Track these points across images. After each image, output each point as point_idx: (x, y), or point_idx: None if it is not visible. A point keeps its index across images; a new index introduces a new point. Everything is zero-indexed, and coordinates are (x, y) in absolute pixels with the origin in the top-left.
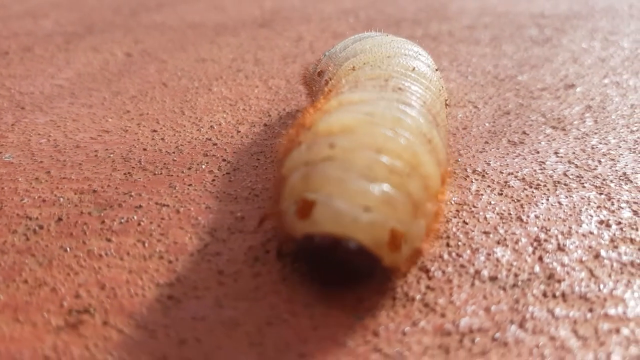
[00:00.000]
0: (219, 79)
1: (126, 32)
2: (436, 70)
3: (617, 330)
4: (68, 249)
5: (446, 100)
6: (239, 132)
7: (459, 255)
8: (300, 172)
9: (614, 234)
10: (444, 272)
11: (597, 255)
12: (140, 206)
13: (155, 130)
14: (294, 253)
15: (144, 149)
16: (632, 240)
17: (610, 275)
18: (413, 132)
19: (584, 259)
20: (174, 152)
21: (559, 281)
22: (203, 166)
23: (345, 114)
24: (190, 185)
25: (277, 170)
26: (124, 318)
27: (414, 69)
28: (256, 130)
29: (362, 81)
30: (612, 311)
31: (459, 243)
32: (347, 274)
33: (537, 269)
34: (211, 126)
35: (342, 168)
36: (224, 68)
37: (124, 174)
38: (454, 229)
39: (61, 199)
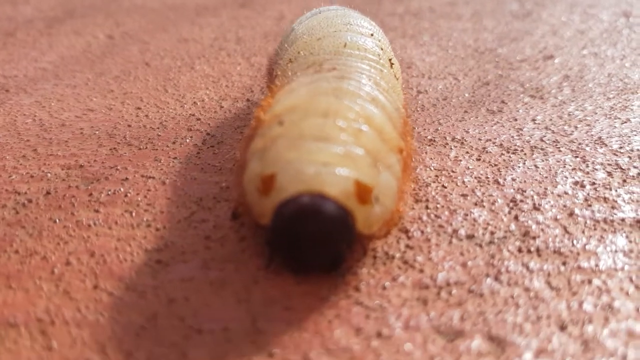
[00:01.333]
0: (201, 57)
1: (107, 15)
2: (371, 35)
3: (589, 282)
4: (57, 220)
5: (390, 59)
6: (222, 107)
7: (437, 217)
8: (256, 159)
9: (588, 194)
10: (422, 232)
11: (571, 214)
12: (127, 179)
13: (139, 108)
14: (270, 244)
15: (129, 126)
16: (605, 199)
17: (583, 232)
18: (354, 95)
19: (558, 217)
20: (158, 128)
21: (534, 238)
22: (187, 140)
23: (288, 98)
24: (175, 158)
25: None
26: (114, 282)
27: (345, 44)
28: (239, 106)
29: (300, 72)
30: (584, 264)
31: (438, 205)
32: (326, 251)
33: (512, 227)
34: (194, 102)
35: (294, 138)
36: (206, 47)
37: (110, 149)
38: (433, 193)
39: (49, 175)
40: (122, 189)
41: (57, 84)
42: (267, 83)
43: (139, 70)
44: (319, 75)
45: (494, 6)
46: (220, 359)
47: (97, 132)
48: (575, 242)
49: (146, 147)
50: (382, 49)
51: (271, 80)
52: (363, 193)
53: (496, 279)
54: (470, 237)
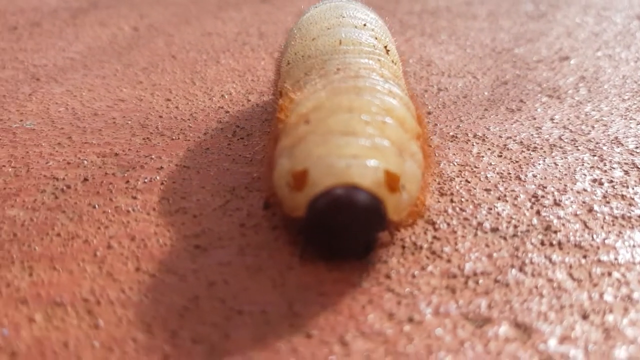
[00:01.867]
0: (226, 51)
1: (130, 6)
2: (364, 25)
3: (609, 274)
4: (96, 205)
5: (385, 46)
6: (249, 100)
7: (462, 210)
8: (285, 157)
9: (606, 191)
10: (448, 224)
11: (590, 210)
12: (162, 167)
13: (169, 99)
14: (306, 235)
15: (160, 116)
16: (623, 197)
17: (602, 227)
18: (373, 90)
19: (578, 212)
20: (188, 119)
21: (555, 232)
22: (218, 132)
23: (309, 100)
24: (207, 149)
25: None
26: (155, 265)
27: (340, 41)
28: (265, 100)
29: (303, 74)
30: (604, 258)
31: (462, 199)
32: (361, 239)
33: (535, 221)
34: (222, 95)
35: (322, 134)
36: (230, 41)
37: (143, 139)
38: (457, 187)
39: (85, 162)
40: (157, 177)
41: (87, 74)
42: (275, 83)
43: (165, 62)
44: (329, 77)
45: (508, 6)
46: (260, 340)
47: (129, 122)
48: (595, 236)
49: (178, 138)
50: (376, 38)
51: (278, 81)
52: (392, 182)
53: (521, 270)
54: (494, 230)
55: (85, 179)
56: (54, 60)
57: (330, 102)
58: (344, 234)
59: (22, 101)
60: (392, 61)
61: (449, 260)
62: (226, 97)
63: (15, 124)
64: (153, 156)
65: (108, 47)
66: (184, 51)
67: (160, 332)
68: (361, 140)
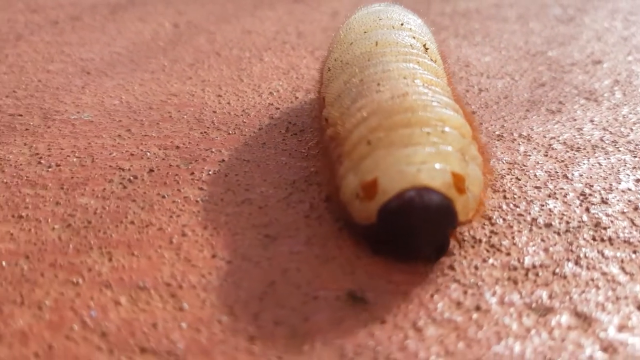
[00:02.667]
0: (268, 49)
1: (167, 4)
2: (401, 25)
3: None
4: (165, 195)
5: (424, 44)
6: (297, 98)
7: (515, 206)
8: (351, 174)
9: None
10: (504, 219)
11: (636, 208)
12: (223, 160)
13: (220, 95)
14: (374, 239)
15: (214, 112)
16: None
17: None
18: (426, 106)
19: (625, 210)
20: (241, 115)
21: (605, 228)
22: (272, 127)
23: (364, 121)
24: (264, 143)
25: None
26: (230, 252)
27: (376, 43)
28: (312, 97)
29: (345, 83)
30: None
31: (515, 196)
32: (434, 240)
33: (585, 218)
34: (270, 92)
35: (386, 149)
36: (270, 40)
37: (201, 132)
38: (509, 184)
39: (148, 154)
40: (220, 170)
41: (135, 69)
42: (319, 89)
43: (211, 59)
44: (373, 97)
45: (537, 10)
46: (338, 324)
47: (185, 116)
48: None
49: (234, 132)
50: (414, 37)
51: (321, 86)
52: (459, 183)
53: (576, 263)
54: (548, 225)
55: (151, 170)
56: (101, 54)
57: (387, 122)
58: (417, 235)
59: (76, 93)
60: (432, 59)
61: (508, 254)
62: (274, 94)
63: (72, 115)
64: (213, 149)
65: (152, 43)
66: (226, 48)
67: (243, 315)
68: (426, 149)
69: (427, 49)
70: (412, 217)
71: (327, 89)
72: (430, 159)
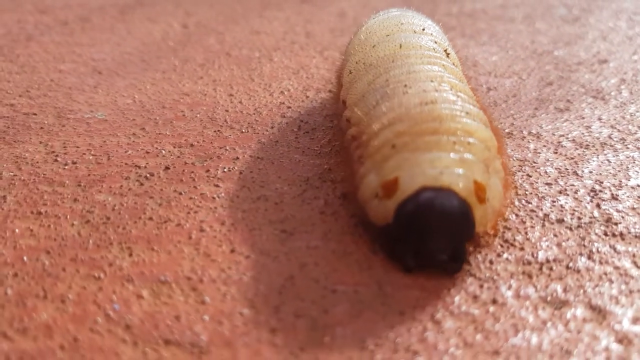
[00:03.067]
0: (277, 50)
1: (175, 4)
2: (423, 30)
3: None
4: (182, 192)
5: (445, 50)
6: (308, 97)
7: (528, 202)
8: (372, 174)
9: None
10: (517, 215)
11: None
12: (237, 158)
13: (231, 95)
14: (390, 240)
15: (226, 111)
16: None
17: None
18: (453, 116)
19: (635, 206)
20: (253, 114)
21: (616, 224)
22: (284, 125)
23: (390, 125)
24: (276, 142)
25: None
26: (248, 247)
27: (400, 46)
28: (323, 96)
29: (367, 86)
30: None
31: (526, 192)
32: (449, 243)
33: (596, 214)
34: (281, 92)
35: (411, 152)
36: (279, 40)
37: (214, 131)
38: (520, 181)
39: (163, 151)
40: (235, 167)
41: (147, 69)
42: (337, 93)
43: (221, 59)
44: (401, 98)
45: (543, 10)
46: (357, 316)
47: (198, 115)
48: None
49: (247, 131)
50: (435, 42)
51: (340, 88)
52: (480, 192)
53: (589, 257)
54: (560, 221)
55: (167, 168)
56: (112, 54)
57: (414, 128)
58: (433, 238)
59: (89, 93)
60: (454, 64)
61: (522, 248)
62: (285, 93)
63: (86, 114)
64: (227, 147)
65: (162, 43)
66: (236, 49)
67: (263, 308)
68: (450, 155)
69: (448, 54)
70: (429, 216)
71: (350, 91)
72: (453, 164)
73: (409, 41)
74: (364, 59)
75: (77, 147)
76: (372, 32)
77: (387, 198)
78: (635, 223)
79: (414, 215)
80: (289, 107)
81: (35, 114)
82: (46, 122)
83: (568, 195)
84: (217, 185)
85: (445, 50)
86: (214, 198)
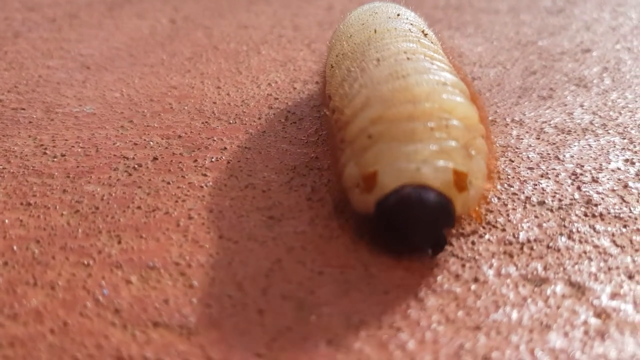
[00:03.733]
0: (265, 43)
1: (163, 1)
2: (398, 15)
3: None
4: (170, 182)
5: (422, 30)
6: (295, 88)
7: (510, 186)
8: (352, 164)
9: (639, 170)
10: (499, 198)
11: (625, 186)
12: (225, 148)
13: (219, 87)
14: (373, 227)
15: (214, 103)
16: None
17: (638, 201)
18: (431, 91)
19: (615, 188)
20: (241, 105)
21: (596, 205)
22: (271, 116)
23: (363, 110)
24: (264, 132)
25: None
26: (236, 233)
27: (375, 30)
28: (310, 87)
29: (347, 74)
30: None
31: (508, 177)
32: (430, 238)
33: (576, 196)
34: (269, 84)
35: (387, 143)
36: (266, 34)
37: (202, 122)
38: (502, 166)
39: (151, 143)
40: (223, 157)
41: (134, 63)
42: (322, 90)
43: (209, 53)
44: (372, 75)
45: (528, 2)
46: (343, 296)
47: (186, 107)
48: (632, 209)
49: (235, 122)
50: (411, 24)
51: (325, 82)
52: (461, 181)
53: (569, 237)
54: (541, 203)
55: (155, 158)
56: (100, 50)
57: (388, 113)
58: (413, 232)
59: (77, 87)
60: (431, 42)
61: (503, 230)
62: (273, 85)
63: (75, 108)
64: (215, 138)
65: (150, 38)
66: (224, 42)
67: (251, 290)
68: (429, 146)
69: (425, 34)
70: (408, 214)
71: (331, 83)
72: (432, 156)
73: (383, 26)
74: (341, 50)
75: (66, 140)
76: (349, 24)
77: (367, 192)
78: (614, 204)
79: (393, 213)
80: (276, 99)
81: (23, 109)
82: (35, 116)
83: (549, 178)
84: (205, 175)
85: (423, 31)
86: (202, 187)
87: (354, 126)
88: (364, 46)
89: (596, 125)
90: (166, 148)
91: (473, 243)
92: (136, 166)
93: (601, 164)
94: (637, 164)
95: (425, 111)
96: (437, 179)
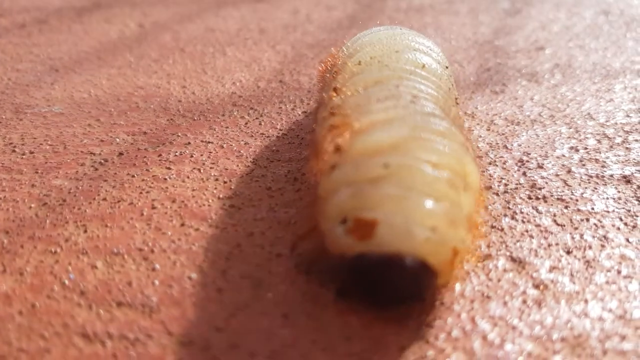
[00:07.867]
0: (231, 45)
1: (133, 6)
2: (447, 67)
3: (587, 220)
4: (135, 175)
5: (456, 98)
6: (259, 87)
7: None
8: (347, 191)
9: (582, 156)
10: None
11: (569, 171)
12: (189, 143)
13: (184, 87)
14: (342, 272)
15: (179, 101)
16: (596, 160)
17: (580, 184)
18: (455, 143)
19: (559, 173)
20: (205, 103)
21: (540, 188)
22: (235, 113)
23: (385, 132)
24: (227, 127)
25: (310, 191)
26: (198, 221)
27: (423, 66)
28: (274, 86)
29: (371, 88)
30: (583, 208)
31: None
32: (396, 292)
33: (522, 180)
34: (233, 82)
35: (401, 186)
36: (233, 36)
37: (167, 120)
38: None
39: (117, 139)
40: (187, 151)
41: (102, 65)
42: (322, 90)
43: (176, 55)
44: (405, 107)
45: (487, 4)
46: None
47: (151, 106)
48: (574, 191)
49: (199, 118)
50: (452, 85)
51: (326, 88)
52: (455, 258)
53: (512, 218)
54: (488, 188)
55: (121, 154)
56: (69, 53)
57: (413, 146)
58: (385, 295)
59: (46, 89)
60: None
61: None
62: (237, 84)
63: (44, 108)
64: (179, 134)
65: (118, 42)
66: (191, 45)
67: (211, 272)
68: (442, 209)
69: (457, 103)
70: (389, 283)
71: (350, 81)
72: (441, 226)
73: (433, 67)
74: (381, 57)
75: (35, 138)
76: (398, 38)
77: (355, 237)
78: (557, 187)
79: (373, 274)
80: (240, 97)
81: None
82: (4, 117)
83: (497, 165)
84: (168, 168)
85: (456, 99)
86: (165, 179)
87: (368, 139)
88: (399, 81)
89: (544, 116)
90: (132, 144)
91: None
92: (102, 161)
93: (547, 152)
94: (581, 151)
95: (449, 161)
96: (438, 257)
